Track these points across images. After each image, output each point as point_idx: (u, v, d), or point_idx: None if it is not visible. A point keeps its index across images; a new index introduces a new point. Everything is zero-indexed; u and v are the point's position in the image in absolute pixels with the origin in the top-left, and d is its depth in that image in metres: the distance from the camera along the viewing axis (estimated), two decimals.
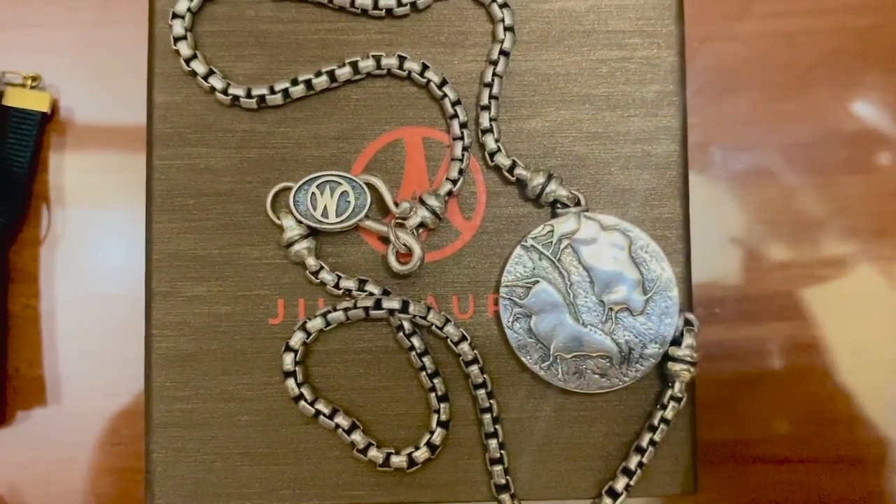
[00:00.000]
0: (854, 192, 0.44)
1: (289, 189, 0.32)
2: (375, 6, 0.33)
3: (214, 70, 0.32)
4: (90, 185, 0.43)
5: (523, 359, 0.32)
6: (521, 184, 0.33)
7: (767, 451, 0.42)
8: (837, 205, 0.44)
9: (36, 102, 0.41)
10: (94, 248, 0.42)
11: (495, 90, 0.33)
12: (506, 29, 0.33)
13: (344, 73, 0.32)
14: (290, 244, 0.32)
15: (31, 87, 0.41)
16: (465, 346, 0.32)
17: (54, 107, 0.42)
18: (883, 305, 0.43)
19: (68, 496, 0.42)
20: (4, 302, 0.41)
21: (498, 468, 0.32)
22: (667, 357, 0.32)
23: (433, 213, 0.32)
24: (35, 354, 0.42)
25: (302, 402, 0.32)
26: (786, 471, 0.42)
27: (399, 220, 0.32)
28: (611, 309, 0.32)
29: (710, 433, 0.42)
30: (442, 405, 0.32)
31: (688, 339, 0.32)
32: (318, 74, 0.32)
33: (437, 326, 0.32)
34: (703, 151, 0.43)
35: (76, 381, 0.42)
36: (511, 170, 0.32)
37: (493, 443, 0.32)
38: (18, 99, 0.41)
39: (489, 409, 0.32)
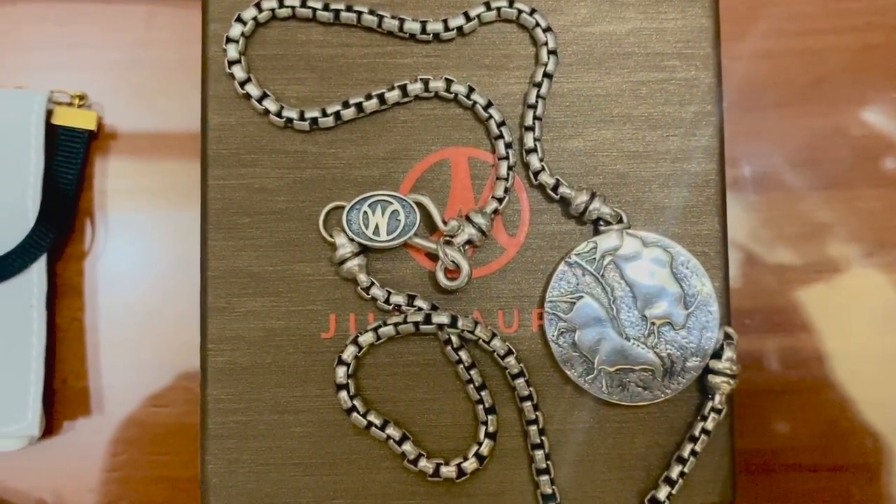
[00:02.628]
0: (881, 206, 0.45)
1: (341, 207, 0.33)
2: (423, 31, 0.34)
3: (268, 93, 0.33)
4: (133, 201, 0.44)
5: (567, 372, 0.33)
6: (564, 202, 0.34)
7: (796, 459, 0.43)
8: (861, 218, 0.44)
9: (83, 121, 0.42)
10: (137, 261, 0.43)
11: (539, 111, 0.34)
12: (549, 52, 0.34)
13: (393, 95, 0.33)
14: (343, 261, 0.33)
15: (78, 106, 0.42)
16: (511, 360, 0.33)
17: (99, 125, 0.43)
18: None
19: None
20: (52, 315, 0.42)
21: (544, 478, 0.33)
22: (707, 370, 0.33)
23: (480, 230, 0.33)
24: (81, 366, 0.43)
25: (354, 414, 0.33)
26: (815, 478, 0.43)
27: (447, 238, 0.33)
28: (653, 323, 0.33)
29: (740, 442, 0.43)
30: (489, 417, 0.33)
31: (728, 353, 0.33)
32: (369, 97, 0.33)
33: (483, 340, 0.33)
34: (732, 166, 0.44)
35: (121, 393, 0.43)
36: (555, 188, 0.33)
37: (539, 454, 0.33)
38: (66, 118, 0.42)
39: (535, 421, 0.33)
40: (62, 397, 0.43)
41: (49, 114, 0.42)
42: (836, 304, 0.44)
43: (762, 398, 0.43)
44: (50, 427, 0.42)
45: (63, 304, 0.43)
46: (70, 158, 0.42)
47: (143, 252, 0.44)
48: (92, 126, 0.42)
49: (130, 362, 0.43)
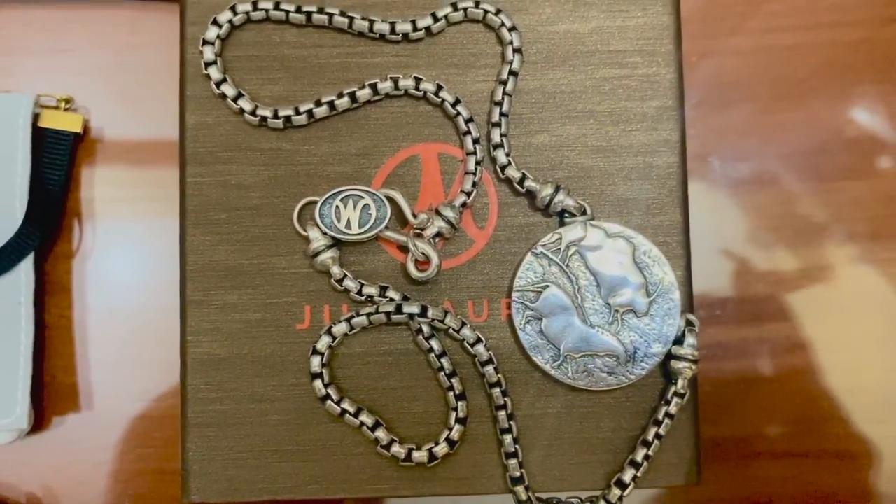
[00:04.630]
0: (849, 197, 0.46)
1: (314, 203, 0.34)
2: (392, 31, 0.35)
3: (243, 93, 0.35)
4: (119, 201, 0.45)
5: (535, 359, 0.34)
6: (530, 195, 0.35)
7: (767, 446, 0.44)
8: (833, 210, 0.46)
9: (69, 124, 0.43)
10: (124, 260, 0.45)
11: (505, 108, 0.35)
12: (514, 51, 0.35)
13: (364, 94, 0.35)
14: (316, 254, 0.34)
15: (65, 109, 0.43)
16: (480, 348, 0.34)
17: (86, 127, 0.44)
18: (877, 305, 0.45)
19: (101, 497, 0.44)
20: (41, 313, 0.43)
21: (513, 462, 0.34)
22: (670, 356, 0.34)
23: (449, 223, 0.34)
24: (69, 362, 0.44)
25: (329, 402, 0.34)
26: (784, 465, 0.44)
27: (417, 231, 0.34)
28: (616, 311, 0.34)
29: (713, 430, 0.44)
30: (460, 403, 0.34)
31: (689, 339, 0.34)
32: (340, 96, 0.34)
33: (453, 329, 0.34)
34: (703, 161, 0.46)
35: (109, 387, 0.44)
36: (521, 182, 0.35)
37: (507, 438, 0.34)
38: (52, 121, 0.43)
39: (504, 407, 0.34)
40: (51, 393, 0.44)
41: (36, 117, 0.43)
42: (806, 295, 0.45)
43: (734, 387, 0.45)
44: (40, 422, 0.43)
45: (51, 301, 0.44)
46: (56, 160, 0.43)
47: (130, 251, 0.45)
48: (78, 129, 0.43)
49: (118, 358, 0.44)
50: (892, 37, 0.46)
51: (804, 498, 0.44)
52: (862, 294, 0.45)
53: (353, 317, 0.34)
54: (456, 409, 0.34)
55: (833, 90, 0.46)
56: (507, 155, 0.35)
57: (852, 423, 0.45)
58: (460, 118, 0.35)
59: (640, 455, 0.34)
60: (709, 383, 0.44)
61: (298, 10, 0.35)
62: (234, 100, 0.34)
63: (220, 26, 0.35)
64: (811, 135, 0.46)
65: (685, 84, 0.45)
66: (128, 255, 0.45)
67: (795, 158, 0.46)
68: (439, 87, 0.35)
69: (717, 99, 0.46)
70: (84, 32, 0.45)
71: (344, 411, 0.34)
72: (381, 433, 0.34)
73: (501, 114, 0.35)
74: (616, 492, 0.34)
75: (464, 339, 0.34)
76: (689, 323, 0.34)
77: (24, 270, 0.41)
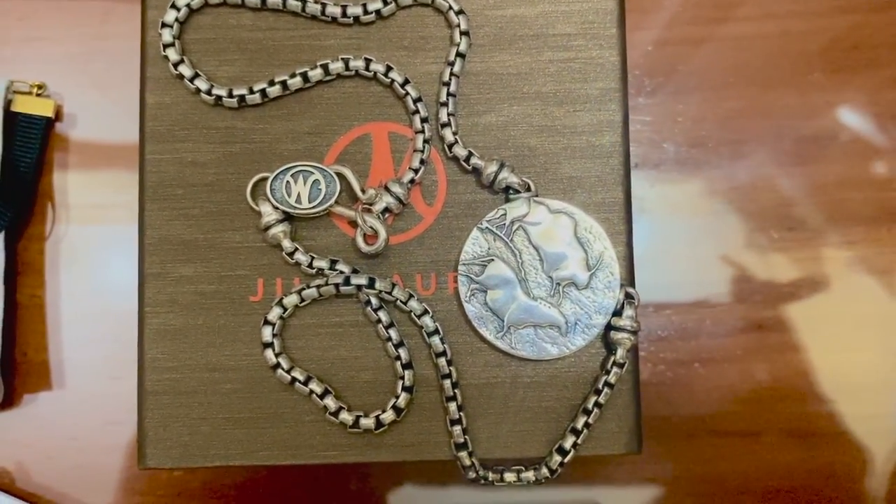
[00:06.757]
0: (800, 183, 0.47)
1: (266, 179, 0.35)
2: (344, 14, 0.36)
3: (199, 73, 0.36)
4: (91, 185, 0.46)
5: (480, 330, 0.35)
6: (477, 172, 0.36)
7: (721, 425, 0.46)
8: (783, 195, 0.47)
9: (41, 108, 0.45)
10: (95, 241, 0.46)
11: (453, 88, 0.36)
12: (462, 33, 0.36)
13: (316, 74, 0.36)
14: (268, 228, 0.35)
15: (37, 95, 0.45)
16: (426, 319, 0.35)
17: (58, 112, 0.46)
18: (829, 286, 0.46)
19: (71, 471, 0.45)
20: (13, 292, 0.45)
21: (457, 429, 0.35)
22: (610, 327, 0.35)
23: (397, 199, 0.35)
24: (41, 340, 0.45)
25: (279, 371, 0.35)
26: (738, 443, 0.45)
27: (366, 206, 0.35)
28: (558, 284, 0.35)
29: (667, 409, 0.46)
30: (406, 372, 0.35)
31: (628, 311, 0.35)
32: (293, 76, 0.36)
33: (401, 301, 0.35)
34: (657, 147, 0.47)
35: (79, 365, 0.45)
36: (467, 160, 0.36)
37: (452, 406, 0.35)
38: (25, 105, 0.45)
39: (449, 376, 0.35)
40: (23, 370, 0.45)
41: (9, 103, 0.44)
42: (762, 276, 0.46)
43: (690, 367, 0.46)
44: (10, 399, 0.45)
45: (23, 281, 0.45)
46: (29, 143, 0.45)
47: (101, 232, 0.46)
48: (49, 113, 0.45)
49: (87, 336, 0.45)
50: (844, 26, 0.48)
51: (757, 475, 0.45)
52: (813, 273, 0.46)
53: (303, 289, 0.35)
54: (403, 377, 0.35)
55: (786, 78, 0.47)
56: (455, 134, 0.36)
57: (808, 402, 0.46)
58: (409, 98, 0.36)
59: (580, 423, 0.35)
60: (665, 363, 0.45)
61: None
62: (191, 80, 0.36)
63: (179, 10, 0.36)
64: (765, 122, 0.47)
65: (641, 72, 0.47)
66: (98, 236, 0.46)
67: (748, 146, 0.47)
68: (389, 68, 0.36)
69: (672, 86, 0.47)
70: (57, 21, 0.47)
71: (294, 380, 0.35)
72: (329, 401, 0.35)
73: (449, 94, 0.36)
74: (557, 458, 0.35)
75: (411, 311, 0.35)
76: (628, 296, 0.36)
77: None
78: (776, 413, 0.46)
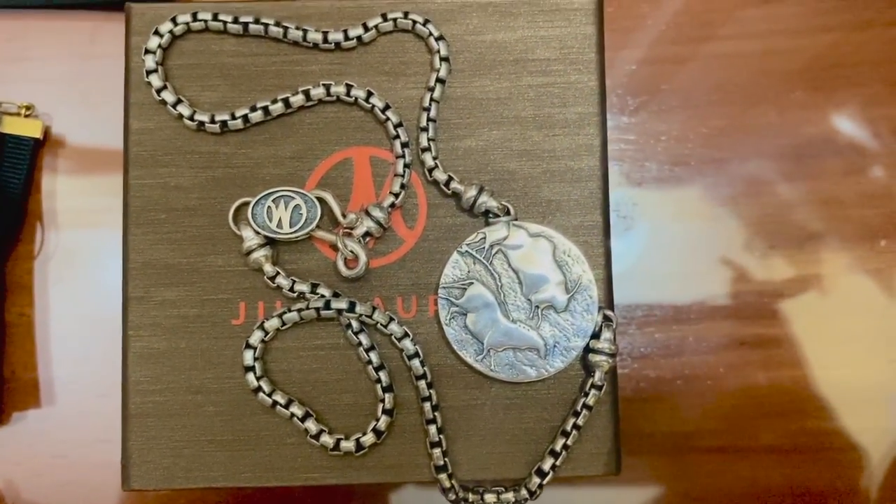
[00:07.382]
0: (783, 200, 0.47)
1: (248, 203, 0.36)
2: (325, 40, 0.37)
3: (182, 99, 0.36)
4: (79, 204, 0.47)
5: (460, 353, 0.36)
6: (457, 196, 0.37)
7: (704, 442, 0.46)
8: (767, 211, 0.47)
9: (29, 129, 0.45)
10: (84, 260, 0.46)
11: (433, 113, 0.36)
12: (442, 59, 0.37)
13: (298, 99, 0.36)
14: (249, 252, 0.35)
15: (25, 116, 0.45)
16: (406, 342, 0.36)
17: (46, 133, 0.46)
18: (815, 300, 0.47)
19: (59, 488, 0.45)
20: (2, 311, 0.45)
21: (437, 451, 0.35)
22: (588, 349, 0.36)
23: (377, 223, 0.36)
24: (30, 359, 0.46)
25: (261, 394, 0.35)
26: (721, 460, 0.46)
27: (347, 230, 0.36)
28: (537, 307, 0.36)
29: (650, 425, 0.46)
30: (387, 395, 0.35)
31: (606, 333, 0.36)
32: (275, 101, 0.36)
33: (381, 325, 0.36)
34: (640, 166, 0.47)
35: (68, 384, 0.46)
36: (447, 184, 0.36)
37: (432, 428, 0.35)
38: (13, 126, 0.45)
39: (429, 398, 0.35)
40: (11, 388, 0.45)
41: None
42: (745, 293, 0.47)
43: (672, 384, 0.46)
44: None
45: (12, 300, 0.46)
46: (17, 164, 0.45)
47: (89, 251, 0.46)
48: (38, 134, 0.45)
49: (76, 355, 0.46)
50: (824, 45, 0.48)
51: (739, 492, 0.46)
52: (797, 287, 0.47)
53: (284, 312, 0.35)
54: (383, 400, 0.35)
55: (768, 96, 0.48)
56: (435, 158, 0.36)
57: (792, 419, 0.46)
58: (390, 123, 0.36)
59: (559, 445, 0.35)
60: (648, 380, 0.46)
61: (235, 21, 0.36)
62: (174, 105, 0.36)
63: (162, 36, 0.36)
64: (747, 140, 0.48)
65: (624, 91, 0.47)
66: (87, 255, 0.46)
67: (731, 164, 0.47)
68: (369, 94, 0.36)
69: (655, 105, 0.48)
70: (45, 42, 0.47)
71: (275, 403, 0.35)
72: (310, 424, 0.35)
73: (429, 119, 0.36)
74: (536, 480, 0.35)
75: (391, 334, 0.36)
76: (606, 318, 0.36)
77: None
78: (760, 429, 0.46)
